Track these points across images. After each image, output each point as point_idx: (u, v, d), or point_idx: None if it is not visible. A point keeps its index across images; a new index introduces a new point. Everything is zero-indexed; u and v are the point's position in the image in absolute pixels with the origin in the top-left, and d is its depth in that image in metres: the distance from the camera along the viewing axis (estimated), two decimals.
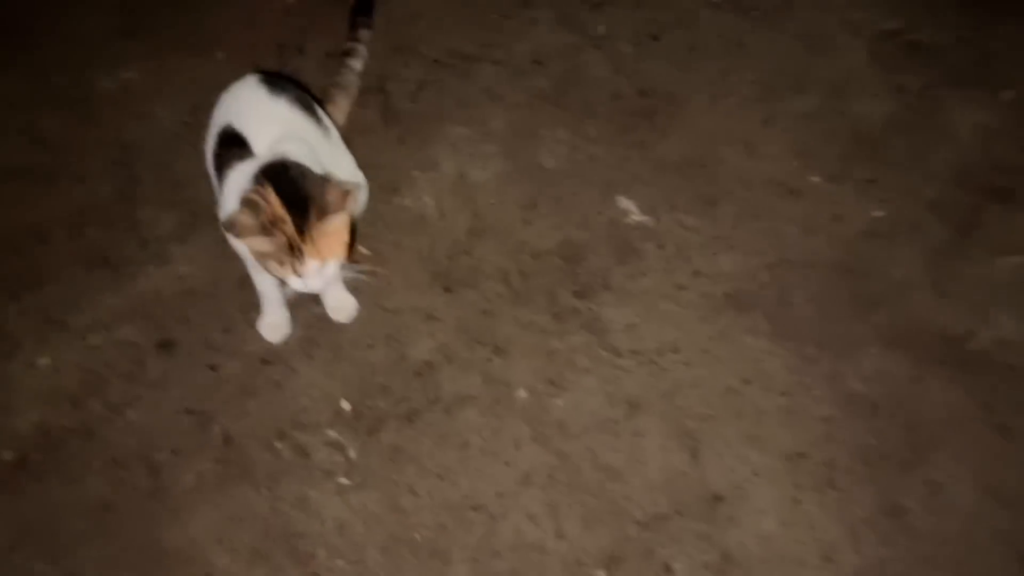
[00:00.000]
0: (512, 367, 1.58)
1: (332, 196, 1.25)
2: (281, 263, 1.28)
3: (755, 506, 1.41)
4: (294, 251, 1.25)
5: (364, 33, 1.92)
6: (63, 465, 1.51)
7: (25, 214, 1.81)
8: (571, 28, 2.05)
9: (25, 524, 1.45)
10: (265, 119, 1.37)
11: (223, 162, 1.36)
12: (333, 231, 1.28)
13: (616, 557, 1.38)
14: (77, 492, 1.48)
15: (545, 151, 1.86)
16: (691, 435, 1.48)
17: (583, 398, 1.53)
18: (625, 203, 1.77)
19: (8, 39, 2.14)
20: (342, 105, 1.80)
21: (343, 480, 1.48)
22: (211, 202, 1.47)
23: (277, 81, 1.47)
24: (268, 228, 1.22)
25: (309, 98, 1.53)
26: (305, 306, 1.64)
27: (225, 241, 1.40)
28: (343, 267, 1.36)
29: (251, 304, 1.62)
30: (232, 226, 1.23)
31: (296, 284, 1.32)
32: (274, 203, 1.22)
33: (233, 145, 1.35)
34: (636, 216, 1.75)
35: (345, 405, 1.56)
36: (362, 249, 1.70)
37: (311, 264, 1.28)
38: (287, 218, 1.23)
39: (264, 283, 1.54)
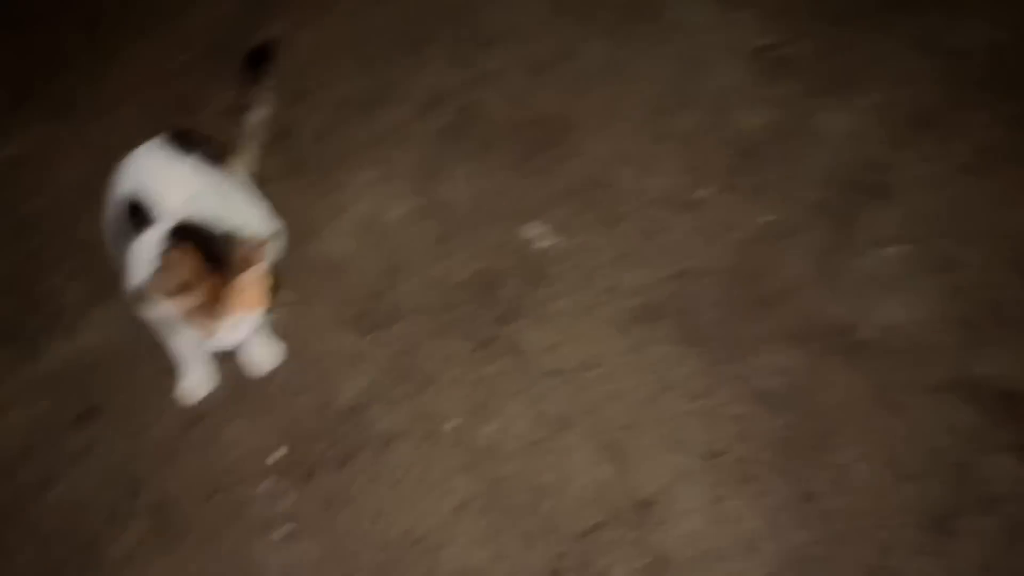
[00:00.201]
0: (440, 399, 1.62)
1: (247, 249, 1.28)
2: (202, 321, 1.29)
3: (682, 507, 1.49)
4: (215, 308, 1.27)
5: (265, 83, 1.94)
6: None
7: None
8: (465, 65, 2.12)
9: None
10: (171, 181, 1.39)
11: (129, 232, 1.36)
12: (251, 284, 1.31)
13: (556, 571, 1.44)
14: (7, 574, 1.45)
15: (452, 185, 1.92)
16: (616, 446, 1.56)
17: (511, 422, 1.59)
18: (534, 229, 1.85)
19: None
20: (250, 155, 1.81)
21: (282, 530, 1.49)
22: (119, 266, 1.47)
23: (180, 140, 1.49)
24: (186, 288, 1.24)
25: (216, 152, 1.55)
26: (228, 359, 1.65)
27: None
28: (264, 316, 1.38)
29: (168, 368, 1.62)
30: (148, 292, 1.24)
31: (219, 340, 1.33)
32: (190, 262, 1.24)
33: (138, 213, 1.36)
34: (546, 240, 1.83)
35: (277, 454, 1.57)
36: (282, 297, 1.72)
37: (232, 319, 1.30)
38: (204, 276, 1.25)
39: (182, 344, 1.54)
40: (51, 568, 1.45)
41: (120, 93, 2.08)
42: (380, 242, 1.84)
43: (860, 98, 2.03)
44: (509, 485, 1.52)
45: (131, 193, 1.39)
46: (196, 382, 1.62)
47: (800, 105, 2.02)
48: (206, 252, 1.25)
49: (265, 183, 1.80)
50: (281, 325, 1.62)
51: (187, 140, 1.49)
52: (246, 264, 1.26)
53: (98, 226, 1.58)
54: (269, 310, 1.40)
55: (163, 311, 1.33)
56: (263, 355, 1.65)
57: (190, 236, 1.26)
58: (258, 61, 1.98)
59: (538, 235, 1.83)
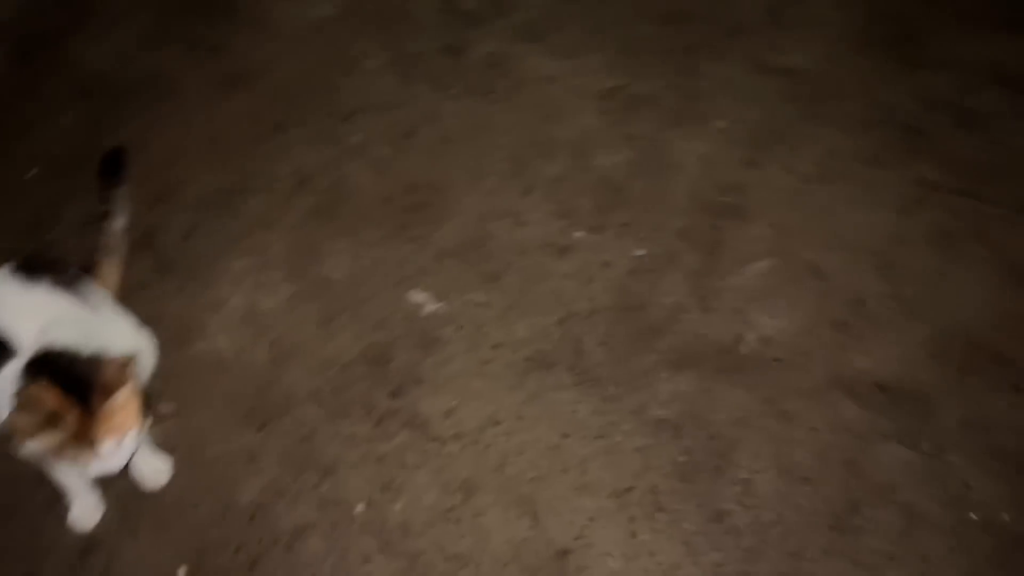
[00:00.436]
0: (344, 484, 1.59)
1: (111, 371, 1.23)
2: (76, 452, 1.23)
3: (599, 550, 1.50)
4: (84, 439, 1.21)
5: (119, 190, 1.88)
6: None
7: None
8: (328, 142, 2.13)
9: None
10: (24, 312, 1.33)
11: None
12: (121, 406, 1.25)
13: None
14: None
15: (329, 264, 1.91)
16: (527, 500, 1.56)
17: (419, 495, 1.57)
18: (417, 296, 1.85)
19: None
20: (111, 269, 1.75)
21: None
22: None
23: (30, 267, 1.43)
24: (48, 425, 1.18)
25: (71, 273, 1.49)
26: (116, 481, 1.57)
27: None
28: (144, 433, 1.33)
29: (55, 496, 1.53)
30: (11, 432, 1.18)
31: (98, 467, 1.27)
32: (48, 398, 1.18)
33: None
34: (430, 306, 1.83)
35: (182, 572, 1.50)
36: (162, 407, 1.66)
37: (107, 445, 1.24)
38: (67, 409, 1.19)
39: (64, 475, 1.46)
40: None
41: None
42: (263, 333, 1.80)
43: (710, 124, 2.14)
44: (427, 559, 1.50)
45: None
46: (86, 509, 1.54)
47: (655, 139, 2.11)
48: (67, 381, 1.20)
49: (134, 291, 1.75)
50: (168, 435, 1.56)
51: (36, 265, 1.43)
52: (112, 387, 1.21)
53: None
54: (148, 426, 1.35)
55: (31, 449, 1.26)
56: (153, 470, 1.58)
57: (48, 367, 1.21)
58: (112, 168, 1.93)
59: (422, 301, 1.84)
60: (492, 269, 1.88)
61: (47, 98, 2.33)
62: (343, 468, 1.61)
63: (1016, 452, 1.57)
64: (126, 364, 1.24)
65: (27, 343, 1.28)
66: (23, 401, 1.19)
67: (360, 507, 1.56)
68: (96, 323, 1.41)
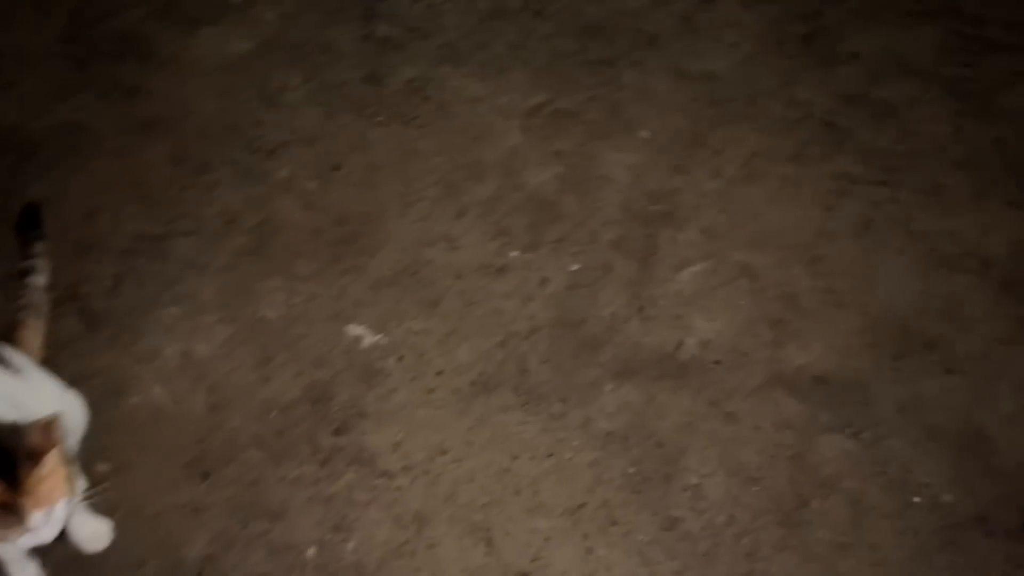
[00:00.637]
0: (294, 528, 1.56)
1: (34, 438, 1.18)
2: (2, 527, 1.18)
3: (557, 569, 1.49)
4: (12, 511, 1.16)
5: (38, 245, 1.83)
6: None
7: None
8: (254, 180, 2.09)
9: None
10: None
11: None
12: (48, 472, 1.20)
13: None
14: None
15: (264, 304, 1.88)
16: (481, 527, 1.54)
17: (372, 532, 1.55)
18: (355, 330, 1.83)
19: None
20: (34, 328, 1.68)
21: None
22: None
23: None
24: None
25: None
26: (55, 547, 1.51)
27: None
28: (77, 497, 1.28)
29: None
30: None
31: (29, 540, 1.22)
32: None
33: None
34: (369, 338, 1.81)
35: None
36: (98, 466, 1.61)
37: (36, 515, 1.19)
38: None
39: None
40: None
41: None
42: (200, 380, 1.76)
43: (635, 134, 2.16)
44: None
45: None
46: None
47: (583, 152, 2.13)
48: None
49: (62, 349, 1.70)
50: (106, 495, 1.50)
51: None
52: (37, 454, 1.17)
53: None
54: (82, 489, 1.30)
55: None
56: (92, 533, 1.52)
57: None
58: (29, 224, 1.87)
59: (361, 334, 1.82)
60: (430, 295, 1.87)
61: None
62: (292, 512, 1.58)
63: (952, 432, 1.62)
64: (50, 427, 1.19)
65: None
66: None
67: (312, 551, 1.53)
68: (16, 388, 1.36)
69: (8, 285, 1.81)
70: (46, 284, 1.78)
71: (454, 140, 2.16)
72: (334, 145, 2.16)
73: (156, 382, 1.76)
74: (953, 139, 2.11)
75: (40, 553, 1.49)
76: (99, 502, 1.49)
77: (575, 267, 1.90)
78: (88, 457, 1.54)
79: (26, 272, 1.77)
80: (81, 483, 1.32)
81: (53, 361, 1.57)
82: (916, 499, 1.54)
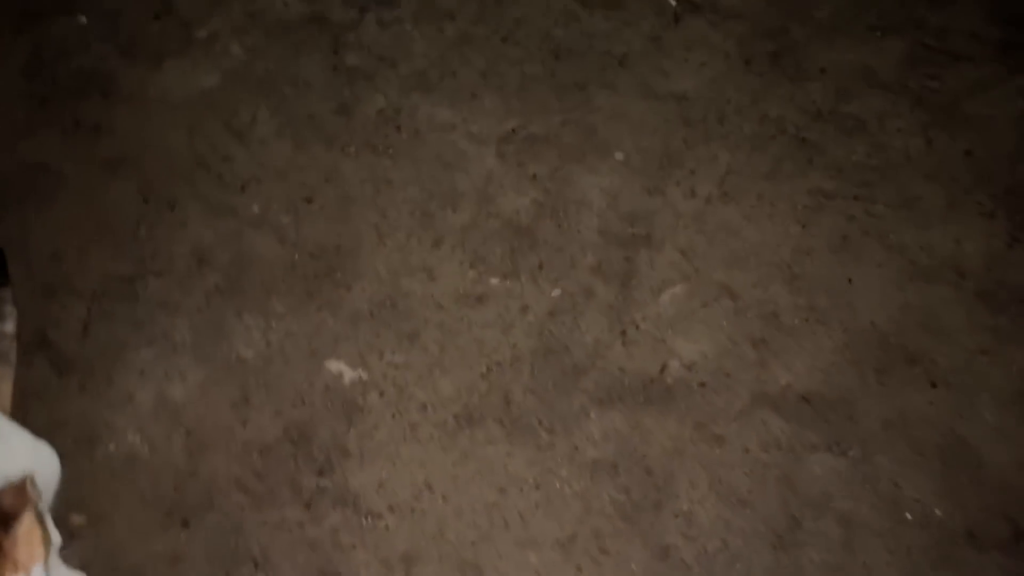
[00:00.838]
0: (278, 574, 1.52)
1: (7, 499, 1.14)
2: None
3: None
4: None
5: (3, 291, 1.78)
6: None
7: None
8: (224, 215, 2.06)
9: None
10: None
11: None
12: (25, 533, 1.16)
13: None
14: None
15: (239, 343, 1.84)
16: (471, 564, 1.52)
17: (359, 575, 1.51)
18: (334, 366, 1.79)
19: None
20: (2, 377, 1.64)
21: None
22: None
23: None
24: None
25: None
26: None
27: None
28: (54, 557, 1.23)
29: None
30: None
31: None
32: None
33: None
34: (349, 374, 1.78)
35: None
36: (73, 519, 1.56)
37: None
38: None
39: None
40: None
41: None
42: (176, 424, 1.72)
43: (610, 156, 2.15)
44: None
45: None
46: None
47: (558, 177, 2.12)
48: None
49: (29, 401, 1.65)
50: (83, 549, 1.46)
51: None
52: (11, 516, 1.12)
53: None
54: (59, 547, 1.25)
55: None
56: None
57: None
58: None
59: (340, 370, 1.78)
60: (409, 328, 1.84)
61: None
62: (276, 558, 1.54)
63: (938, 446, 1.62)
64: (22, 486, 1.15)
65: None
66: None
67: None
68: None
69: None
70: (13, 331, 1.73)
71: (427, 169, 2.14)
72: (306, 178, 2.13)
73: (130, 428, 1.71)
74: (923, 151, 2.13)
75: None
76: (75, 555, 1.44)
77: (555, 293, 1.88)
78: (62, 509, 1.49)
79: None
80: (56, 538, 1.28)
81: (22, 412, 1.52)
82: (907, 515, 1.54)
